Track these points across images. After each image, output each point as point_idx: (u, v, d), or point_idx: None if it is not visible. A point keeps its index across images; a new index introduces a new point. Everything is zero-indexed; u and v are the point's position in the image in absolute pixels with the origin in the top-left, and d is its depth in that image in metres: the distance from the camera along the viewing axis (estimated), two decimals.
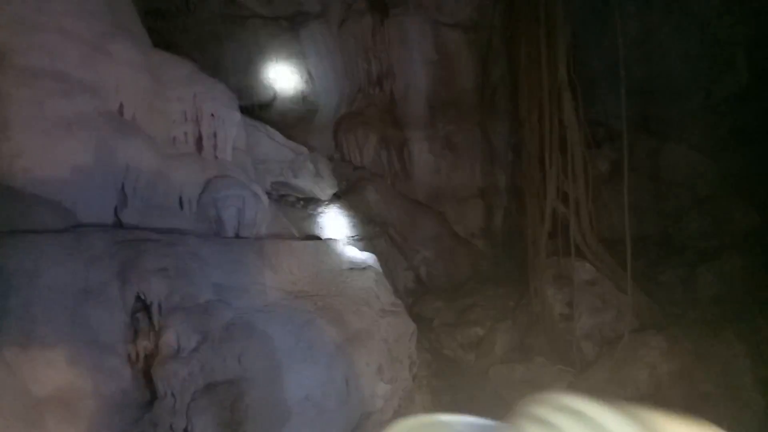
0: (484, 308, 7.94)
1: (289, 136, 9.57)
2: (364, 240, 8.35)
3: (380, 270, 6.47)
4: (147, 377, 4.33)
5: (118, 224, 5.60)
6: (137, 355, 4.51)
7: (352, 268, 6.18)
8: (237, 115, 6.97)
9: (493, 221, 10.34)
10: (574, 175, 7.63)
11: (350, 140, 10.70)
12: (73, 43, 5.22)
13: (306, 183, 9.22)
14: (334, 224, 8.50)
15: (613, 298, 6.75)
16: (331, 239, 6.49)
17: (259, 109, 10.84)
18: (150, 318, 4.60)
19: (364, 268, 6.27)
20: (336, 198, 9.48)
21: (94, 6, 5.65)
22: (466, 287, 8.97)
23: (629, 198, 7.01)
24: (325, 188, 9.46)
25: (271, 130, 9.18)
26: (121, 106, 5.80)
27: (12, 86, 4.86)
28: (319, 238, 6.87)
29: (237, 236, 6.41)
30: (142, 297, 4.59)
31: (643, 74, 9.42)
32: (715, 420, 0.63)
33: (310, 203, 8.94)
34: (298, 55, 11.08)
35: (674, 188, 9.36)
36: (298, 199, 8.91)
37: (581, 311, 6.71)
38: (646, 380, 5.68)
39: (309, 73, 11.12)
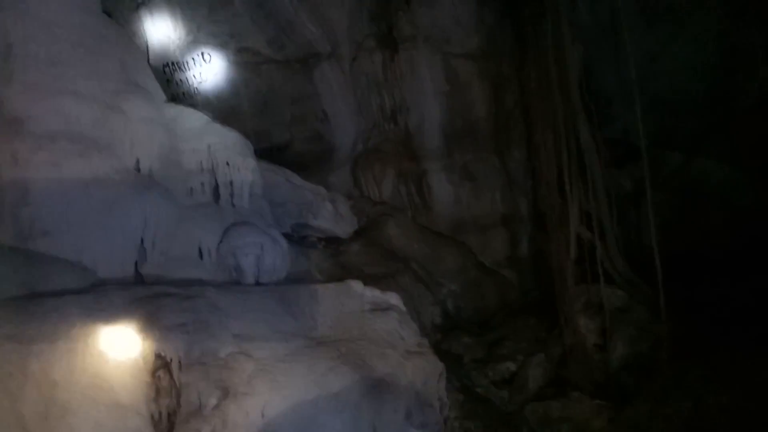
0: (515, 341, 7.69)
1: (306, 177, 9.63)
2: (387, 277, 8.21)
3: (404, 309, 6.32)
4: None
5: (139, 278, 5.63)
6: (160, 414, 4.44)
7: (374, 309, 6.05)
8: (252, 162, 7.04)
9: (519, 249, 10.14)
10: (596, 198, 7.45)
11: (368, 176, 10.70)
12: (87, 104, 5.36)
13: (326, 223, 9.21)
14: (356, 263, 8.41)
15: (648, 325, 6.46)
16: (352, 280, 6.39)
17: (276, 151, 10.96)
18: (171, 375, 4.54)
19: (386, 309, 6.13)
20: (357, 235, 9.41)
21: (108, 66, 5.81)
22: (495, 320, 8.75)
23: (656, 216, 6.80)
24: (345, 226, 9.43)
25: (289, 173, 9.24)
26: (137, 161, 5.91)
27: (30, 151, 4.99)
28: (340, 280, 6.77)
29: (257, 283, 6.38)
30: (162, 355, 4.53)
31: (661, 89, 9.24)
32: None
33: (331, 243, 8.89)
34: (312, 96, 11.24)
35: (705, 203, 9.06)
36: (319, 240, 8.87)
37: (616, 341, 6.43)
38: (691, 413, 5.35)
39: (324, 113, 11.25)
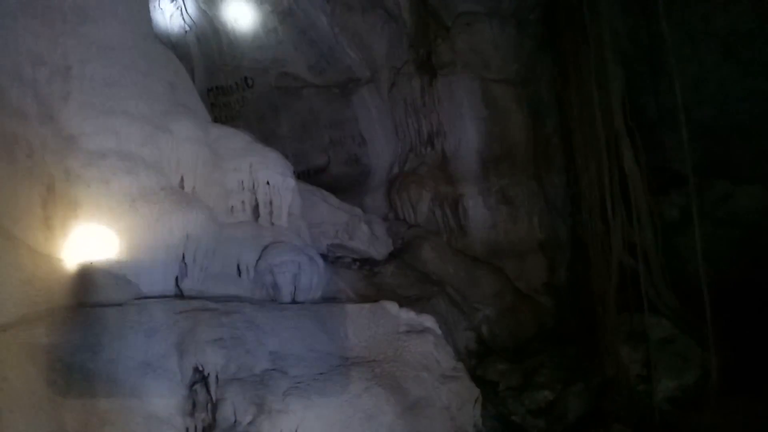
0: (553, 369, 7.49)
1: (343, 199, 9.72)
2: (422, 300, 8.15)
3: (439, 332, 6.23)
4: None
5: (179, 294, 5.73)
6: (195, 428, 4.46)
7: (409, 331, 5.99)
8: (291, 182, 7.13)
9: (557, 276, 9.97)
10: (640, 225, 7.27)
11: (404, 199, 10.74)
12: (137, 123, 5.55)
13: (361, 244, 9.23)
14: (390, 284, 8.38)
15: (695, 357, 6.21)
16: (387, 301, 6.35)
17: (314, 173, 11.15)
18: (207, 390, 4.57)
19: (422, 331, 6.06)
20: (392, 257, 9.41)
21: (157, 88, 6.02)
22: (531, 347, 8.57)
23: (703, 245, 6.58)
24: (380, 248, 9.43)
25: (326, 194, 9.35)
26: (182, 179, 6.06)
27: (81, 167, 5.18)
28: (375, 301, 6.75)
29: (293, 301, 6.41)
30: (200, 369, 4.58)
31: (706, 115, 9.03)
32: None
33: (366, 264, 8.89)
34: (351, 120, 11.41)
35: (753, 232, 8.71)
36: (354, 261, 8.89)
37: (660, 372, 6.20)
38: None
39: (361, 137, 11.39)
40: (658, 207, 7.54)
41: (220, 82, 11.37)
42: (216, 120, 9.13)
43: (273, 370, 4.82)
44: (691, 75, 8.88)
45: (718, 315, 6.14)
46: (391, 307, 6.21)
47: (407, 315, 6.24)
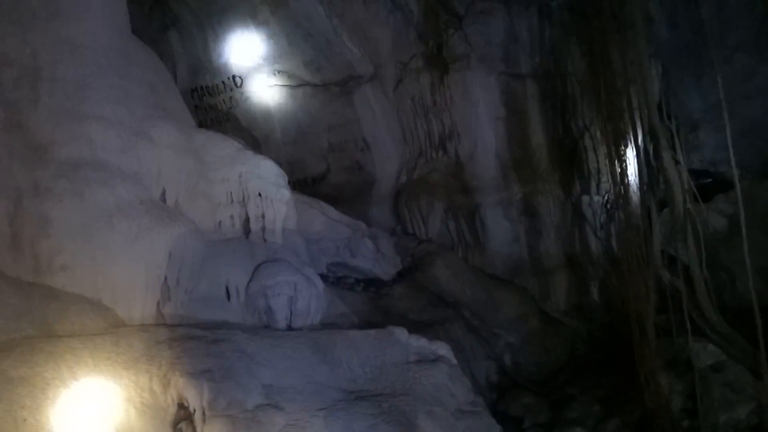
0: (585, 403, 7.47)
1: (345, 211, 9.80)
2: (435, 325, 8.17)
3: (454, 362, 6.25)
4: None
5: (161, 319, 5.79)
6: None
7: (420, 361, 6.00)
8: (286, 193, 7.21)
9: (588, 296, 9.98)
10: (682, 236, 7.28)
11: (413, 210, 10.79)
12: (114, 130, 5.65)
13: (365, 262, 9.28)
14: (399, 308, 8.41)
15: (746, 387, 6.18)
16: (395, 327, 6.38)
17: (311, 183, 11.26)
18: (194, 428, 4.60)
19: (434, 360, 6.08)
20: (400, 277, 9.45)
21: (136, 90, 6.14)
22: (560, 377, 8.58)
23: (754, 259, 6.57)
24: (387, 267, 9.48)
25: (325, 206, 9.43)
26: (164, 191, 6.15)
27: (52, 179, 5.27)
28: (381, 326, 6.78)
29: (289, 327, 6.46)
30: (185, 405, 4.61)
31: (755, 111, 9.07)
32: None
33: (371, 285, 8.94)
34: (352, 121, 11.52)
35: None
36: (358, 281, 8.93)
37: (708, 405, 6.17)
38: None
39: (364, 141, 11.50)
40: (702, 215, 7.53)
41: (206, 81, 11.53)
42: (201, 124, 9.28)
43: (267, 405, 4.83)
44: (737, 67, 8.93)
45: None
46: (400, 333, 6.23)
47: (418, 342, 6.26)
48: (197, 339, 5.16)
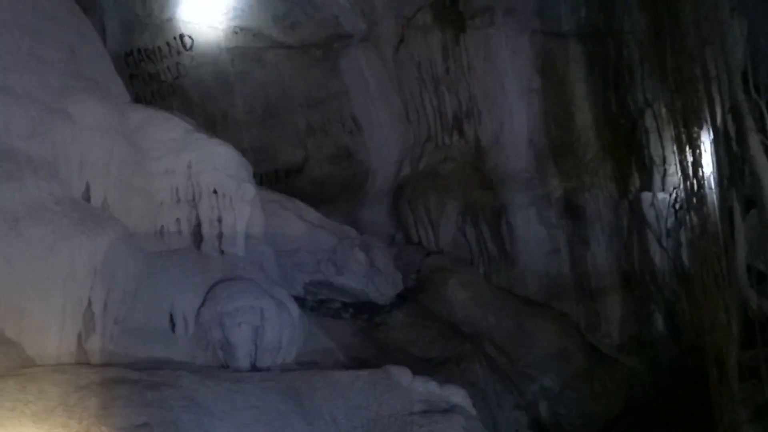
0: None
1: (328, 213, 9.78)
2: (448, 364, 8.17)
3: (473, 412, 6.25)
4: None
5: (84, 358, 5.76)
6: None
7: (428, 411, 6.00)
8: (250, 190, 7.18)
9: (651, 325, 10.03)
10: None
11: (419, 212, 10.78)
12: (21, 106, 5.60)
13: (355, 280, 9.24)
14: (400, 341, 8.39)
15: None
16: (394, 367, 6.37)
17: (284, 176, 11.21)
18: None
19: (447, 410, 6.07)
20: (401, 300, 9.44)
21: (51, 54, 6.11)
22: (615, 431, 8.53)
23: None
24: (383, 287, 9.43)
25: (303, 207, 9.40)
26: (88, 187, 6.11)
27: None
28: (376, 366, 6.78)
29: (254, 367, 6.43)
30: None
31: None
32: None
33: (363, 311, 8.93)
34: (338, 95, 11.50)
35: None
36: (345, 306, 8.91)
37: None
38: None
39: (354, 120, 11.47)
40: None
41: (144, 43, 11.46)
42: (138, 99, 9.25)
43: None
44: None
45: None
46: (401, 375, 6.23)
47: (425, 387, 6.26)
48: (131, 383, 5.13)
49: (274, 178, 11.07)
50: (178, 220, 6.92)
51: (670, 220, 10.25)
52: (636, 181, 10.39)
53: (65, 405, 4.79)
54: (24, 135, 5.67)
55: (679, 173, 8.62)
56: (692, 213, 8.35)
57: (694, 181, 8.01)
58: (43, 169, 5.70)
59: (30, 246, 5.38)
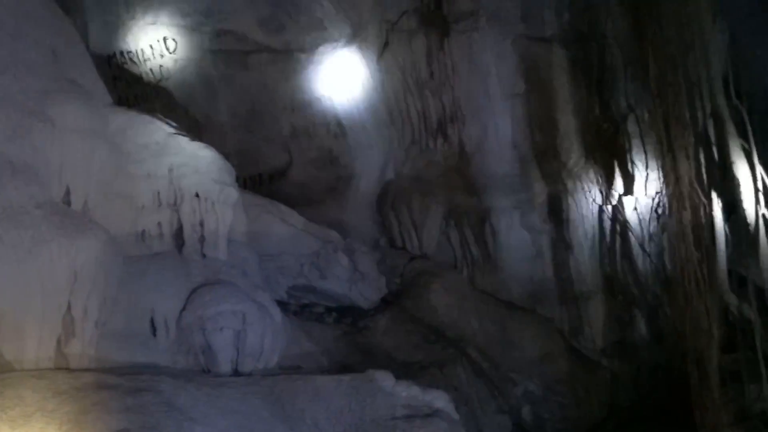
0: None
1: (312, 216, 9.77)
2: (431, 368, 8.18)
3: (456, 417, 6.26)
4: None
5: (63, 363, 5.72)
6: None
7: (411, 416, 6.00)
8: (233, 193, 7.17)
9: (633, 329, 10.06)
10: (755, 251, 7.33)
11: (403, 216, 10.79)
12: (1, 109, 5.57)
13: (339, 285, 9.25)
14: (383, 345, 8.39)
15: None
16: (377, 371, 6.38)
17: (268, 180, 11.20)
18: None
19: (430, 415, 6.08)
20: (385, 305, 9.45)
21: (31, 56, 6.09)
22: None
23: None
24: (367, 291, 9.45)
25: (286, 210, 9.40)
26: (68, 191, 6.09)
27: None
28: (360, 370, 6.78)
29: (236, 372, 6.41)
30: None
31: None
32: None
33: (346, 315, 8.95)
34: (323, 99, 11.50)
35: None
36: (328, 310, 8.93)
37: None
38: None
39: (339, 124, 11.48)
40: None
41: (128, 45, 11.43)
42: (121, 101, 9.18)
43: None
44: None
45: None
46: (384, 379, 6.23)
47: (408, 391, 6.26)
48: (111, 388, 5.11)
49: (258, 181, 11.05)
50: (159, 224, 6.90)
51: (653, 225, 10.28)
52: (619, 186, 10.42)
53: (43, 410, 4.77)
54: (3, 138, 5.65)
55: (662, 178, 8.67)
56: (674, 218, 8.39)
57: (677, 187, 8.05)
58: (22, 173, 5.67)
59: (8, 249, 5.35)
